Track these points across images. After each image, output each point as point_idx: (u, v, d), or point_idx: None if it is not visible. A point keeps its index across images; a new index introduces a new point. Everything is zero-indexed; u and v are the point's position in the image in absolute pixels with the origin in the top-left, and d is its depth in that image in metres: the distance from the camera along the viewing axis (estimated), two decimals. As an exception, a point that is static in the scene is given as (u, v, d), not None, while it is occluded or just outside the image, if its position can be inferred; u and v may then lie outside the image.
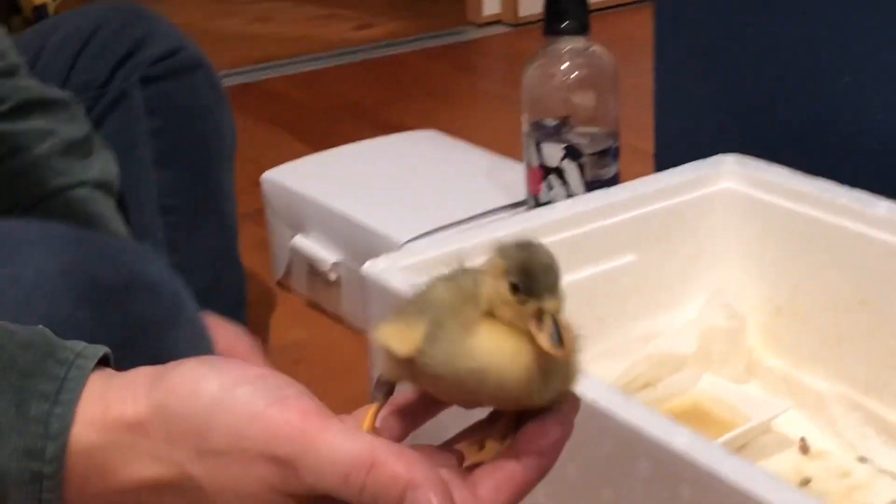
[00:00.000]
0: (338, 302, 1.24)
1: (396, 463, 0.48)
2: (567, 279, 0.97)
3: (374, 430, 0.53)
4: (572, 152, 1.10)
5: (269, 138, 1.80)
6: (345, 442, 0.48)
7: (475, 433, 0.53)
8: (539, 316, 0.48)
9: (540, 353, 0.49)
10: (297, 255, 1.28)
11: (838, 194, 0.92)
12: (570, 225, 0.94)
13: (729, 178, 1.00)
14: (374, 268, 0.86)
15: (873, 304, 0.91)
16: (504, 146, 1.41)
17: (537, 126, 1.12)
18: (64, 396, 0.51)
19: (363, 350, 1.21)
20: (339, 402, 1.06)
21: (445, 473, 0.50)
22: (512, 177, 1.24)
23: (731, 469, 0.62)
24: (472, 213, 1.16)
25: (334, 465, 0.48)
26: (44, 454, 0.51)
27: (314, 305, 1.29)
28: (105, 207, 0.86)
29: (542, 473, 0.51)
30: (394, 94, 2.12)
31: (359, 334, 1.22)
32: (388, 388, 0.54)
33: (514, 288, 0.48)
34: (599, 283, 0.95)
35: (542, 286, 0.48)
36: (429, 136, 1.40)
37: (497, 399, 0.51)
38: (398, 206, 1.20)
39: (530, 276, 0.48)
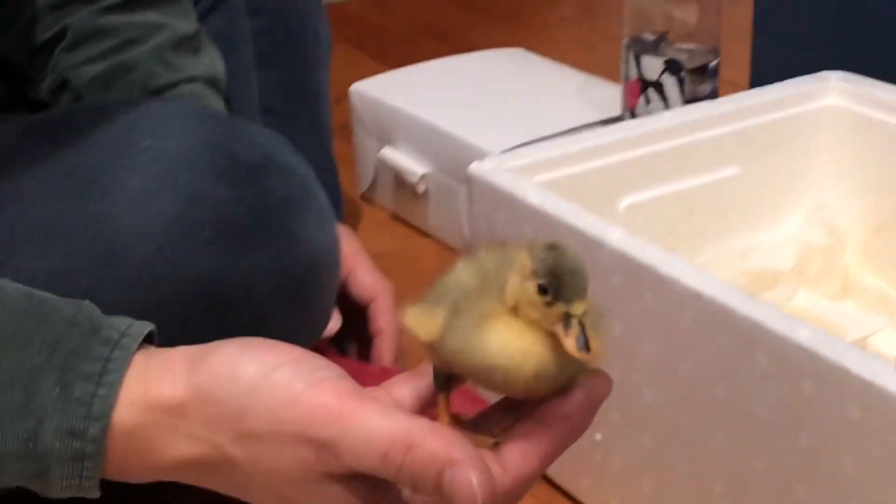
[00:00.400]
0: (424, 214, 1.24)
1: (435, 441, 0.49)
2: (668, 190, 0.98)
3: (453, 419, 0.54)
4: (672, 66, 1.10)
5: (350, 59, 1.80)
6: (382, 422, 0.49)
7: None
8: (566, 320, 0.48)
9: (555, 353, 0.49)
10: (383, 168, 1.28)
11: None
12: (673, 135, 0.94)
13: (834, 94, 0.99)
14: (480, 168, 0.86)
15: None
16: (587, 69, 1.40)
17: (637, 40, 1.11)
18: (107, 378, 0.52)
19: (451, 258, 1.21)
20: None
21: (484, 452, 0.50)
22: (602, 94, 1.24)
23: (855, 361, 0.62)
24: (564, 128, 1.15)
25: (372, 446, 0.49)
26: (86, 434, 0.52)
27: (399, 218, 1.29)
28: (215, 103, 0.87)
29: (567, 438, 0.51)
30: (473, 17, 2.10)
31: (444, 246, 1.23)
32: (444, 376, 0.54)
33: (542, 290, 0.48)
34: (700, 195, 0.95)
35: (571, 290, 0.48)
36: (515, 53, 1.39)
37: (507, 392, 0.52)
38: (489, 119, 1.20)
39: (559, 280, 0.48)
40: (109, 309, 0.64)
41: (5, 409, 0.52)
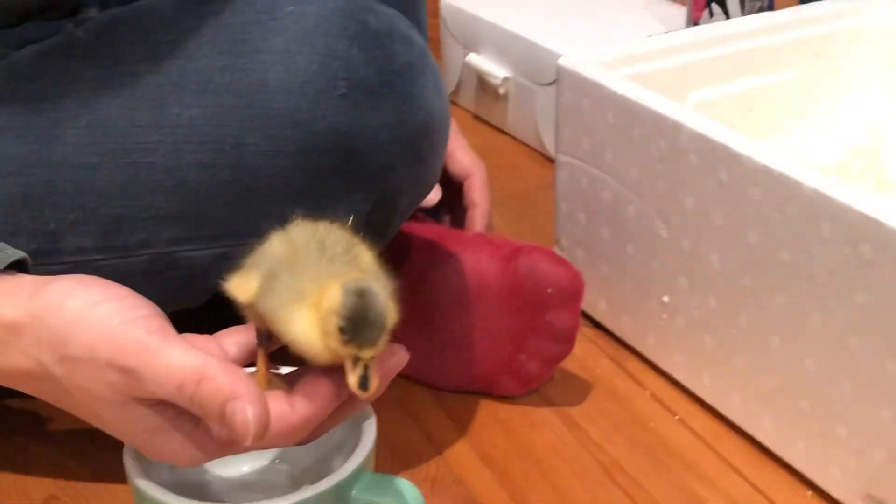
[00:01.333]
0: (503, 114, 1.24)
1: (223, 377, 0.51)
2: (731, 89, 0.96)
3: (267, 376, 0.56)
4: (735, -18, 1.09)
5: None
6: (180, 356, 0.52)
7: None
8: (355, 361, 0.51)
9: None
10: (468, 72, 1.28)
11: None
12: (736, 40, 0.92)
13: (881, 8, 0.98)
14: (569, 61, 0.86)
15: None
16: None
17: (703, -42, 1.10)
18: None
19: (526, 153, 1.22)
20: (505, 194, 1.07)
21: (273, 393, 0.54)
22: (667, 12, 1.23)
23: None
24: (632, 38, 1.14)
25: (170, 377, 0.51)
26: None
27: (480, 119, 1.29)
28: None
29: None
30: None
31: (521, 143, 1.23)
32: (264, 334, 0.56)
33: (342, 330, 0.51)
34: (759, 95, 0.94)
35: (364, 338, 0.51)
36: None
37: (309, 361, 0.54)
38: (564, 29, 1.19)
39: (356, 327, 0.50)
40: (255, 153, 0.66)
41: None
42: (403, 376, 0.83)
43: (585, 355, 0.87)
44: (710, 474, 0.75)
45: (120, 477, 0.74)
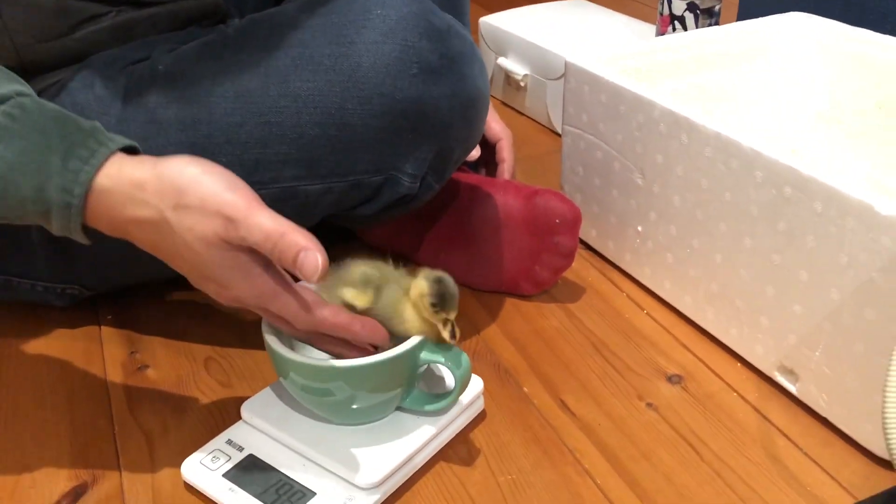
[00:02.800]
0: (523, 101, 1.22)
1: (298, 234, 0.51)
2: (691, 81, 0.93)
3: None
4: (691, 6, 1.05)
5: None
6: (270, 217, 0.52)
7: None
8: (445, 323, 0.57)
9: (433, 329, 0.58)
10: (497, 71, 1.25)
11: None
12: (693, 46, 0.90)
13: (796, 25, 0.94)
14: (574, 58, 0.84)
15: (889, 108, 0.86)
16: (630, 13, 1.35)
17: (669, -12, 1.06)
18: (92, 161, 0.52)
19: (539, 129, 1.19)
20: (523, 157, 1.05)
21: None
22: (640, 29, 1.19)
23: (825, 174, 0.61)
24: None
25: (260, 228, 0.51)
26: (73, 192, 0.52)
27: (506, 105, 1.27)
28: None
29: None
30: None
31: (536, 121, 1.21)
32: None
33: (433, 305, 0.57)
34: (712, 85, 0.91)
35: (449, 306, 0.57)
36: (579, 2, 1.34)
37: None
38: (565, 41, 1.15)
39: (443, 300, 0.56)
40: (353, 115, 0.65)
41: (27, 169, 0.52)
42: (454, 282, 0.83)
43: (580, 268, 0.86)
44: (668, 351, 0.74)
45: (257, 345, 0.75)
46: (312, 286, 0.58)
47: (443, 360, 0.58)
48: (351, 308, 0.58)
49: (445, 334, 0.56)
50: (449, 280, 0.57)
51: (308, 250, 0.51)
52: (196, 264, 0.53)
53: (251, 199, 0.52)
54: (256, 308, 0.55)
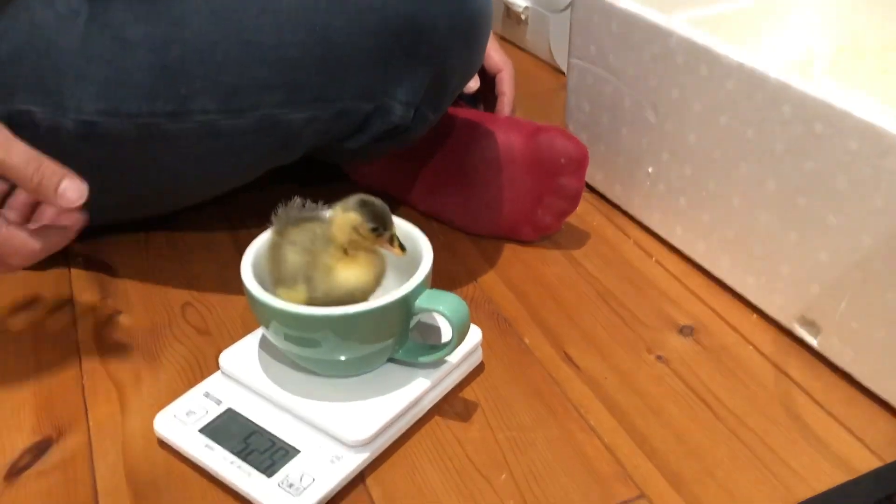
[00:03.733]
0: (524, 36, 1.15)
1: (58, 165, 0.53)
2: (703, 12, 0.87)
3: None
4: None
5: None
6: (29, 148, 0.53)
7: None
8: (391, 239, 0.53)
9: (373, 270, 0.54)
10: (496, 2, 1.18)
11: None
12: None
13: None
14: (582, -15, 0.78)
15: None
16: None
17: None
18: None
19: (540, 66, 1.13)
20: (523, 95, 0.99)
21: None
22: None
23: (857, 107, 0.55)
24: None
25: (22, 153, 0.53)
26: None
27: (505, 39, 1.20)
28: None
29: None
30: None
31: (537, 57, 1.14)
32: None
33: (374, 229, 0.53)
34: (724, 19, 0.85)
35: (388, 222, 0.53)
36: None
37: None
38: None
39: (381, 219, 0.53)
40: (341, 34, 0.59)
41: None
42: (450, 226, 0.78)
43: (584, 212, 0.81)
44: (679, 300, 0.70)
45: (235, 290, 0.70)
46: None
47: (440, 307, 0.53)
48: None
49: (397, 252, 0.53)
50: (372, 197, 0.53)
51: (72, 177, 0.53)
52: None
53: (7, 131, 0.53)
54: None
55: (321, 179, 0.85)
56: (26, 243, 0.54)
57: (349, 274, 0.53)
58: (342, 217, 0.53)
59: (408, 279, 0.56)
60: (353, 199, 0.53)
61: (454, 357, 0.58)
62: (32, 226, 0.56)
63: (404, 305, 0.53)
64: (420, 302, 0.54)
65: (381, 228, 0.53)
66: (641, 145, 0.75)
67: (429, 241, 0.57)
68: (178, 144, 0.61)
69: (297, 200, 0.56)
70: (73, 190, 0.52)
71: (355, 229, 0.52)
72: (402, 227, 0.59)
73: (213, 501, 0.52)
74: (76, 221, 0.57)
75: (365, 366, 0.56)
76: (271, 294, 0.53)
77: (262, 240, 0.57)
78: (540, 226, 0.75)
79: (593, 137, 0.81)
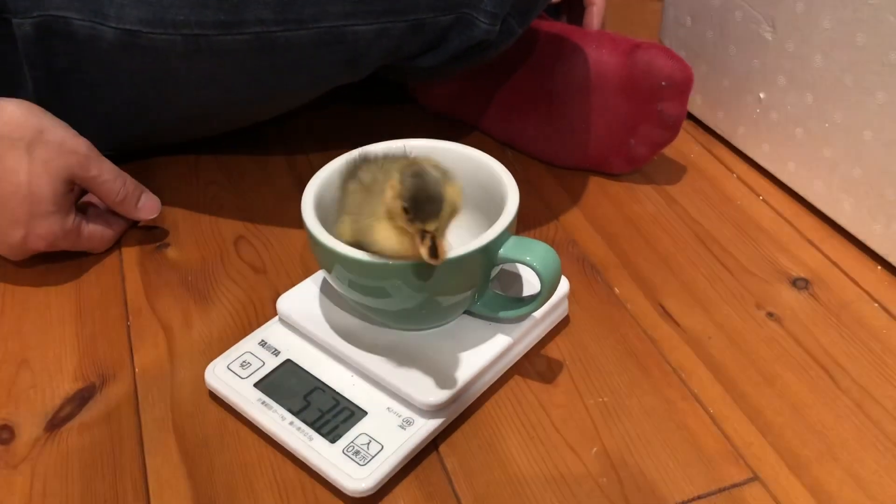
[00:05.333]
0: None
1: (136, 181, 0.61)
2: None
3: None
4: None
5: None
6: (114, 166, 0.59)
7: None
8: (422, 234, 0.42)
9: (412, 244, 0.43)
10: None
11: None
12: None
13: None
14: None
15: None
16: None
17: None
18: None
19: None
20: (610, 5, 0.88)
21: None
22: None
23: None
24: None
25: (111, 167, 0.59)
26: None
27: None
28: None
29: None
30: None
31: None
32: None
33: (406, 210, 0.42)
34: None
35: (426, 213, 0.41)
36: None
37: None
38: None
39: (418, 204, 0.41)
40: None
41: None
42: (528, 155, 0.71)
43: (679, 142, 0.73)
44: (790, 247, 0.62)
45: (294, 223, 0.64)
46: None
47: (527, 258, 0.47)
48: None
49: (423, 252, 0.41)
50: (431, 175, 0.42)
51: (149, 193, 0.61)
52: (22, 199, 0.55)
53: (93, 147, 0.57)
54: (57, 245, 0.58)
55: (385, 100, 0.78)
56: (104, 234, 0.61)
57: (386, 237, 0.44)
58: (392, 179, 0.43)
59: (487, 221, 0.49)
60: (414, 166, 0.43)
61: (539, 311, 0.52)
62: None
63: (486, 255, 0.46)
64: (504, 251, 0.47)
65: (412, 213, 0.42)
66: (752, 67, 0.66)
67: (513, 179, 0.50)
68: (229, 59, 0.55)
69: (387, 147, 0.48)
70: (150, 205, 0.61)
71: (394, 200, 0.43)
72: (480, 160, 0.51)
73: (270, 467, 0.47)
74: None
75: (439, 319, 0.50)
76: (334, 227, 0.46)
77: (330, 169, 0.50)
78: (632, 157, 0.67)
79: (694, 56, 0.72)
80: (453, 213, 0.43)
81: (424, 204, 0.41)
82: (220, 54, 0.54)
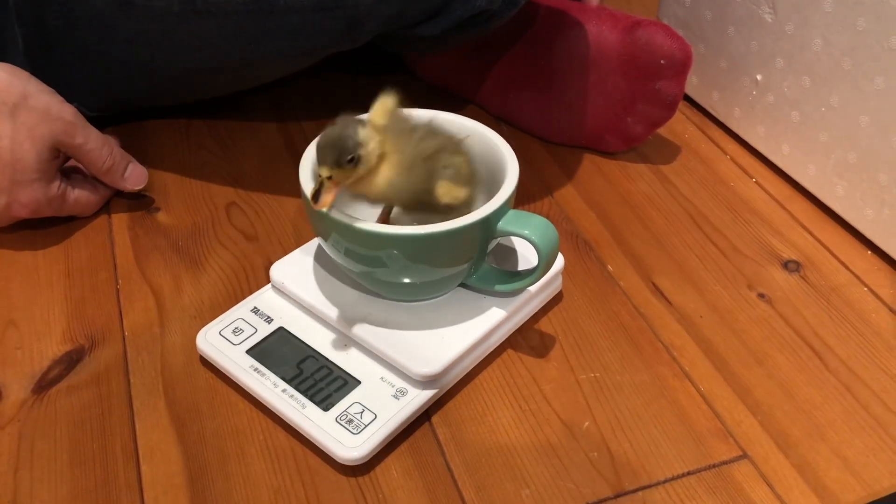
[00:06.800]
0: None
1: (123, 151, 0.60)
2: None
3: None
4: None
5: None
6: (101, 134, 0.57)
7: None
8: (318, 177, 0.44)
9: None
10: None
11: None
12: None
13: None
14: None
15: None
16: None
17: None
18: None
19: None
20: None
21: None
22: None
23: None
24: None
25: (97, 135, 0.57)
26: None
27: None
28: None
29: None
30: None
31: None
32: None
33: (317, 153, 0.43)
34: None
35: (320, 157, 0.43)
36: None
37: None
38: None
39: (317, 148, 0.43)
40: None
41: None
42: (523, 131, 0.70)
43: (674, 122, 0.73)
44: (782, 229, 0.62)
45: (286, 190, 0.64)
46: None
47: (525, 231, 0.46)
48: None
49: (307, 193, 0.44)
50: (345, 127, 0.43)
51: (136, 163, 0.60)
52: (4, 166, 0.53)
53: (80, 114, 0.56)
54: (41, 212, 0.57)
55: (379, 70, 0.77)
56: (90, 200, 0.60)
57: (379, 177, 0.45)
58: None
59: (485, 193, 0.49)
60: (345, 114, 0.44)
61: (534, 285, 0.52)
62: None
63: (485, 227, 0.46)
64: (503, 224, 0.47)
65: (318, 155, 0.43)
66: (750, 48, 0.66)
67: (513, 152, 0.50)
68: (226, 22, 0.54)
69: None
70: (137, 175, 0.60)
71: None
72: (480, 131, 0.51)
73: (262, 433, 0.47)
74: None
75: (434, 291, 0.50)
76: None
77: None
78: (628, 136, 0.67)
79: (691, 35, 0.72)
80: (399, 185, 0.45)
81: (322, 148, 0.43)
82: (218, 16, 0.53)
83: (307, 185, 0.47)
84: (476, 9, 0.55)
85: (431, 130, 0.47)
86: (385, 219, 0.50)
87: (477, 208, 0.46)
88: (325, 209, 0.43)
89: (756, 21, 0.65)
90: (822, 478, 0.46)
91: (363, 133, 0.43)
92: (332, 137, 0.43)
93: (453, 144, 0.47)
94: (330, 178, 0.43)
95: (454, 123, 0.52)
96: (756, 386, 0.50)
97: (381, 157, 0.45)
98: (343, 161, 0.43)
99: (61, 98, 0.55)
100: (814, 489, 0.45)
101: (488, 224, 0.46)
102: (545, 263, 0.47)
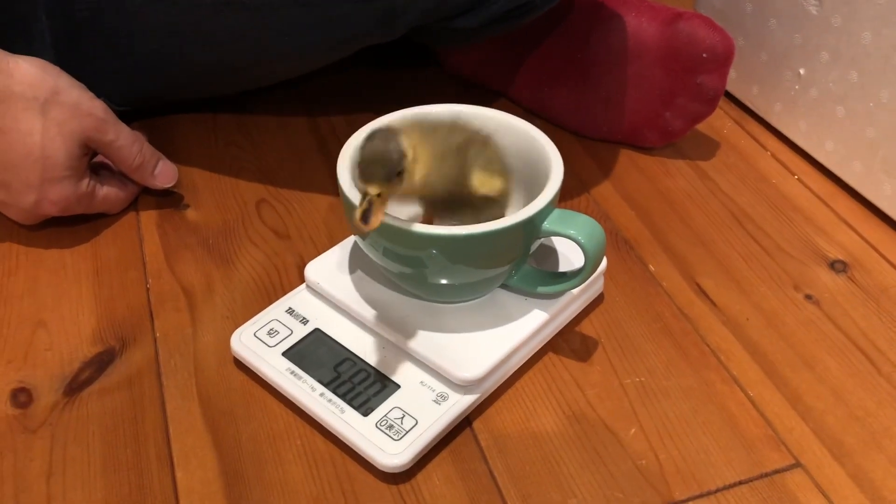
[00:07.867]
0: None
1: (153, 148, 0.59)
2: None
3: None
4: None
5: None
6: (132, 131, 0.56)
7: None
8: (363, 196, 0.40)
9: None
10: None
11: None
12: None
13: None
14: None
15: None
16: None
17: None
18: None
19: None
20: None
21: None
22: None
23: None
24: None
25: (128, 131, 0.56)
26: None
27: None
28: None
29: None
30: None
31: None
32: None
33: (359, 166, 0.41)
34: None
35: (367, 175, 0.40)
36: None
37: None
38: None
39: (361, 165, 0.40)
40: None
41: None
42: (556, 125, 0.69)
43: (712, 117, 0.71)
44: (826, 228, 0.60)
45: (317, 187, 0.62)
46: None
47: (571, 232, 0.45)
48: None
49: (357, 213, 0.40)
50: (386, 138, 0.40)
51: (166, 160, 0.59)
52: (35, 163, 0.52)
53: (110, 110, 0.55)
54: (70, 209, 0.56)
55: (407, 64, 0.75)
56: (119, 196, 0.58)
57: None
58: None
59: (525, 192, 0.48)
60: (378, 124, 0.43)
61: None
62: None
63: (528, 228, 0.45)
64: (548, 224, 0.45)
65: (360, 170, 0.40)
66: (793, 41, 0.64)
67: (557, 149, 0.48)
68: (260, 14, 0.52)
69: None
70: (167, 172, 0.58)
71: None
72: (521, 127, 0.50)
73: (299, 438, 0.45)
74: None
75: (474, 292, 0.48)
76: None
77: (367, 130, 0.48)
78: (667, 131, 0.65)
79: (730, 28, 0.70)
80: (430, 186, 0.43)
81: (368, 165, 0.40)
82: (251, 8, 0.52)
83: (354, 198, 0.45)
84: (516, 1, 0.53)
85: (455, 126, 0.45)
86: (428, 219, 0.49)
87: (513, 202, 0.45)
88: (374, 227, 0.41)
89: (800, 13, 0.63)
90: (879, 488, 0.44)
91: (405, 143, 0.41)
92: (377, 153, 0.40)
93: (481, 138, 0.46)
94: (379, 195, 0.40)
95: (494, 119, 0.50)
96: (807, 391, 0.49)
97: (413, 159, 0.43)
98: (393, 176, 0.41)
99: (91, 94, 0.54)
100: (872, 501, 0.43)
101: (532, 224, 0.45)
102: (592, 265, 0.46)
